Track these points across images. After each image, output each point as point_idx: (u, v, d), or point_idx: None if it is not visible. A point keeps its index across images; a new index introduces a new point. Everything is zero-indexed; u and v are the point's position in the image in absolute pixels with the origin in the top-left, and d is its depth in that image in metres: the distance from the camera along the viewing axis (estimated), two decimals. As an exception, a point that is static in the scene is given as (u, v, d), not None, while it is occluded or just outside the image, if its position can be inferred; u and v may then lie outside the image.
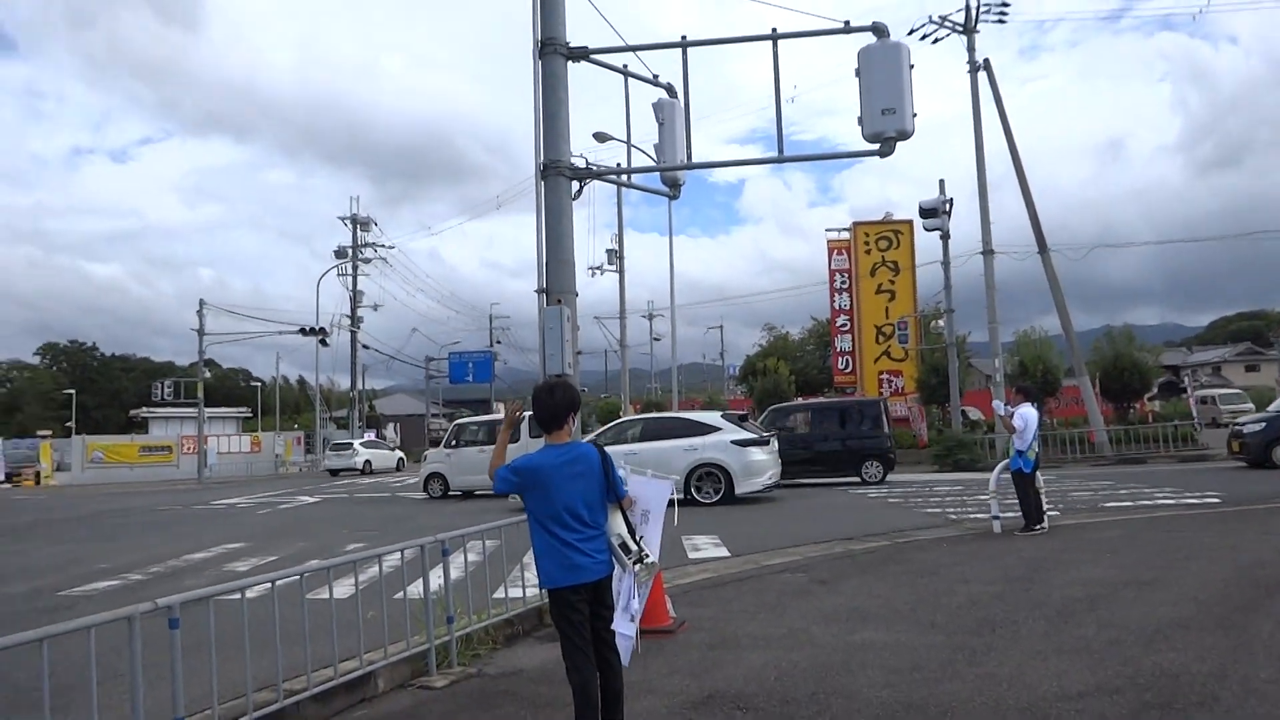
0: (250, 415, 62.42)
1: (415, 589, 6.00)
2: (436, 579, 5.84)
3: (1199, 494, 14.09)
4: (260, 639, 4.49)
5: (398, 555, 5.86)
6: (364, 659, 5.17)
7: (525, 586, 6.87)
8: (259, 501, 23.45)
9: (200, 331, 41.20)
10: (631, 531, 4.11)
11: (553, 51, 8.16)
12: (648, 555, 4.07)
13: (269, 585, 4.79)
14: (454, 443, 22.39)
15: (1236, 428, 20.55)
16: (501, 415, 23.92)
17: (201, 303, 41.31)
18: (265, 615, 4.69)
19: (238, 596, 4.48)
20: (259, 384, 68.67)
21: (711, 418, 17.72)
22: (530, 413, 4.46)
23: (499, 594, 6.77)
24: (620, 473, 4.28)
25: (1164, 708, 4.30)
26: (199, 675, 4.27)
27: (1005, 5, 27.85)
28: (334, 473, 39.46)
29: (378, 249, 51.01)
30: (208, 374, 46.24)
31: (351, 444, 41.82)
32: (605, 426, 20.01)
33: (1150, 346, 39.35)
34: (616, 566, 4.06)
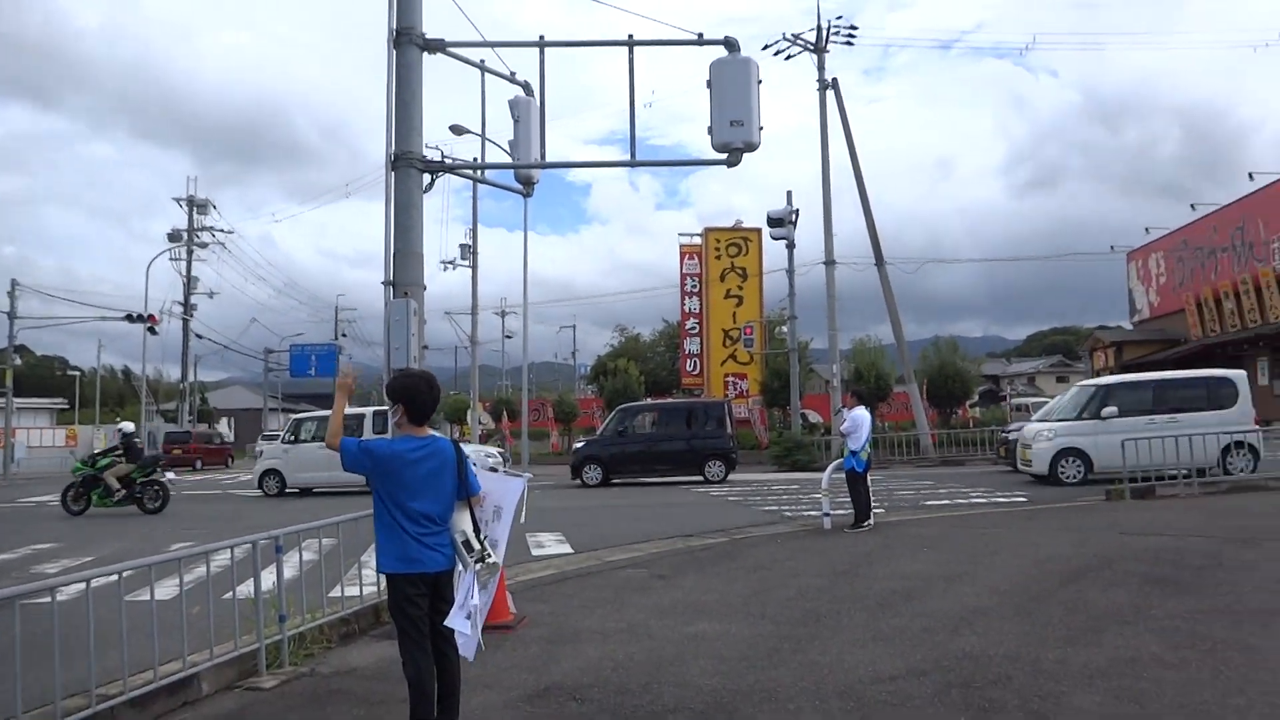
0: (67, 407, 58.09)
1: (246, 588, 5.80)
2: (269, 578, 5.67)
3: (1008, 494, 15.23)
4: (73, 644, 4.26)
5: (227, 554, 5.66)
6: (187, 660, 4.96)
7: (363, 585, 6.76)
8: (73, 498, 21.83)
9: (11, 315, 37.92)
10: (477, 530, 4.13)
11: (408, 41, 8.03)
12: (490, 555, 4.10)
13: (83, 585, 4.53)
14: (292, 438, 21.61)
15: (1004, 434, 22.12)
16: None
17: (13, 283, 38.05)
18: (79, 619, 4.44)
19: (48, 599, 4.23)
20: (77, 373, 63.88)
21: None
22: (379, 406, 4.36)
23: (335, 593, 6.63)
24: (472, 468, 4.30)
25: (964, 686, 4.68)
26: (2, 683, 4.01)
27: (854, 28, 29.23)
28: None
29: (215, 233, 48.45)
30: (18, 360, 42.67)
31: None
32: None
33: (973, 357, 42.19)
34: (458, 563, 4.08)
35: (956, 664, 5.09)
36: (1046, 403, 28.30)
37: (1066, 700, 4.41)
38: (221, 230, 48.87)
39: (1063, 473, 16.33)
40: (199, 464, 39.19)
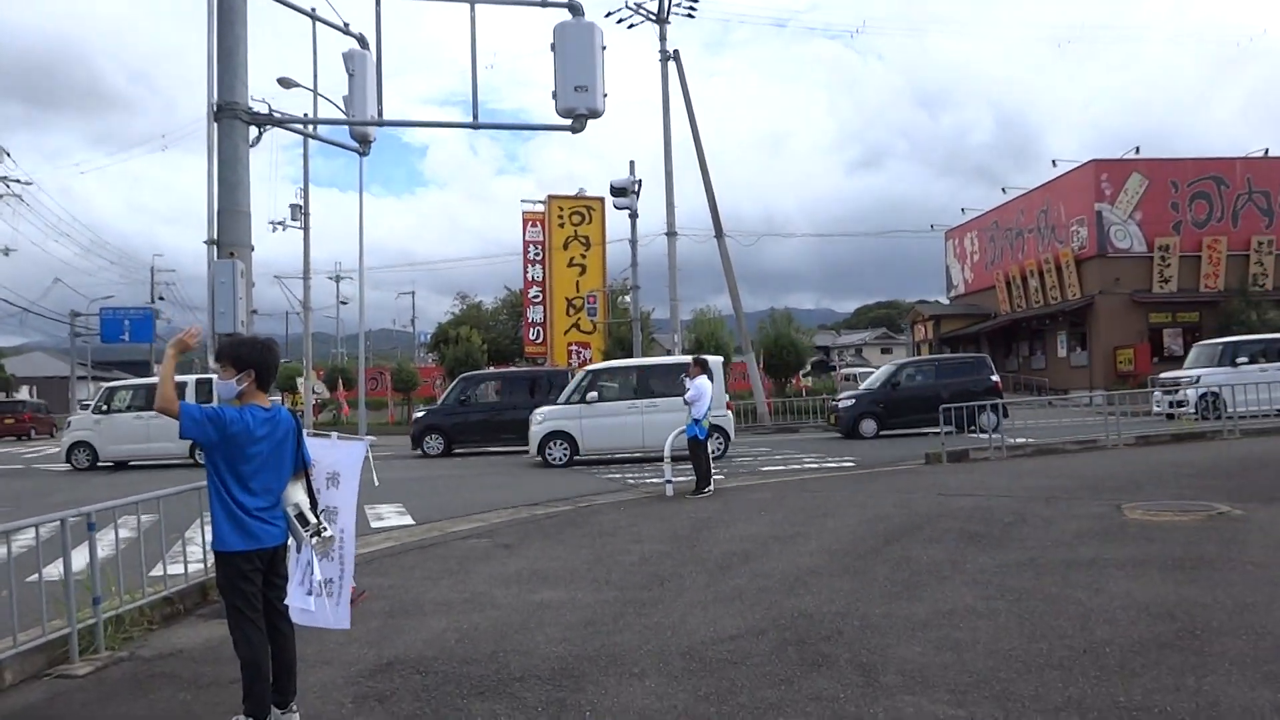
0: None
1: (56, 569, 5.37)
2: (81, 558, 5.26)
3: (838, 459, 16.00)
4: None
5: (31, 532, 5.21)
6: (-13, 650, 4.56)
7: (188, 562, 6.39)
8: None
9: None
10: (314, 503, 3.97)
11: (231, -19, 7.50)
12: (325, 529, 3.95)
13: None
14: (104, 408, 20.10)
15: (833, 403, 23.19)
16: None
17: None
18: None
19: None
20: None
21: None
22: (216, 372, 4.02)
23: (157, 571, 6.24)
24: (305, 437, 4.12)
25: (799, 643, 4.89)
26: None
27: (694, 1, 29.49)
28: None
29: (9, 183, 44.15)
30: None
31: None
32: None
33: (806, 329, 43.93)
34: (291, 537, 3.91)
35: (792, 622, 5.31)
36: (872, 372, 29.83)
37: (892, 652, 4.69)
38: (17, 180, 44.63)
39: (550, 455, 16.68)
40: (33, 433, 36.30)
